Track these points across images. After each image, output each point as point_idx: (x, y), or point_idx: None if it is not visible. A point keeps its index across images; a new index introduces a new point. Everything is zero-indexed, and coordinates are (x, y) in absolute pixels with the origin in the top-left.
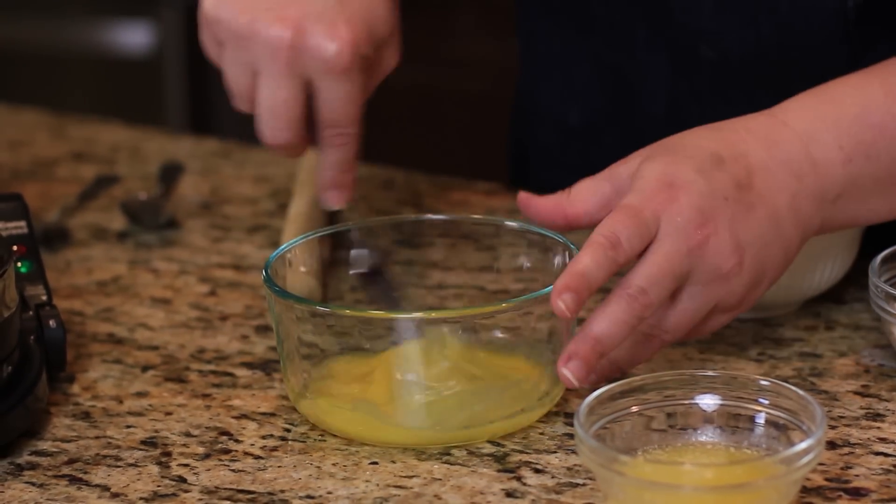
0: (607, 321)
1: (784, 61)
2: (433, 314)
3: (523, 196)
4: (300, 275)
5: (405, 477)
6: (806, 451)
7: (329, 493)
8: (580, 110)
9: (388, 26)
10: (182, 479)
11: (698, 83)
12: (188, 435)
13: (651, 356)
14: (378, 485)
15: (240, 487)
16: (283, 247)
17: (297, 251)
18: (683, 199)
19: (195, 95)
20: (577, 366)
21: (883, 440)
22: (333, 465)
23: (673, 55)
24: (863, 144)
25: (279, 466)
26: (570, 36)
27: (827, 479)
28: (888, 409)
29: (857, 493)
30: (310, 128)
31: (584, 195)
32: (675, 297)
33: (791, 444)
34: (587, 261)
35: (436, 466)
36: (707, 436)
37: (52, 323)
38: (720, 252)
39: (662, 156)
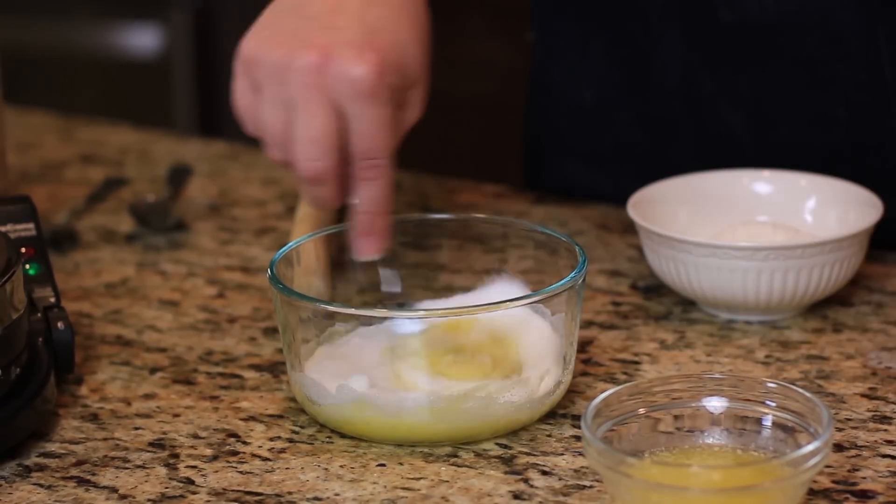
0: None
1: (801, 28)
2: (439, 312)
3: None
4: (305, 275)
5: (412, 479)
6: (813, 454)
7: (336, 494)
8: (596, 87)
9: (418, 69)
10: (190, 481)
11: (713, 53)
12: (196, 437)
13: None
14: (385, 486)
15: (247, 489)
16: (287, 245)
17: (302, 250)
18: None
19: (203, 98)
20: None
21: (890, 443)
22: (341, 466)
23: (688, 25)
24: None
25: (287, 468)
26: (585, 12)
27: (834, 482)
28: (895, 412)
29: (864, 495)
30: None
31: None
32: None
33: (798, 446)
34: None
35: (443, 468)
36: (714, 438)
37: (60, 325)
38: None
39: None
